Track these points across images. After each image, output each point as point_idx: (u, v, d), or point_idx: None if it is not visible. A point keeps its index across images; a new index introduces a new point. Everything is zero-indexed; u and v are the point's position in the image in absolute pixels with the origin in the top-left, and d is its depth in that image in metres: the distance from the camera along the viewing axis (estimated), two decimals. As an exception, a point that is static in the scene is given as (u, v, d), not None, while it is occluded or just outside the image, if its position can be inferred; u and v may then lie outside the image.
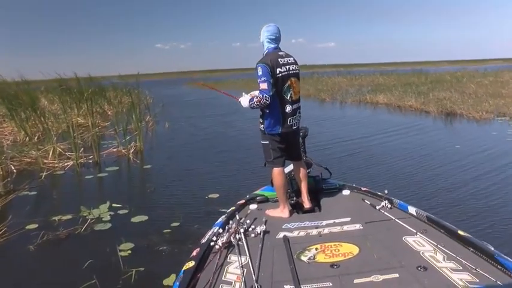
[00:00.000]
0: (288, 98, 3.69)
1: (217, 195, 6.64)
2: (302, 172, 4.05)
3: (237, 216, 3.59)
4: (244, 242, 3.05)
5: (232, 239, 3.09)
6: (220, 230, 3.24)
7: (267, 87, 3.54)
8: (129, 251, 4.73)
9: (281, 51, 3.76)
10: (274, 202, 4.07)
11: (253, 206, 4.05)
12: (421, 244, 2.91)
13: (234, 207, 3.97)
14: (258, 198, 4.25)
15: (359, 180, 6.36)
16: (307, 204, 3.95)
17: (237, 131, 13.57)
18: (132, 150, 10.49)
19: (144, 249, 4.77)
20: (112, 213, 6.09)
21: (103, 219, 5.85)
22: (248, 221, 3.50)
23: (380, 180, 7.07)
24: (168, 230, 5.30)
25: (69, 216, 5.96)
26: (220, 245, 3.00)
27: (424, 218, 3.33)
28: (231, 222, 3.45)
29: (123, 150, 10.44)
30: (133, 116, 12.48)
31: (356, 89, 26.05)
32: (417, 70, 40.99)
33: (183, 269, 2.72)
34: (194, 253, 2.95)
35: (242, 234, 3.17)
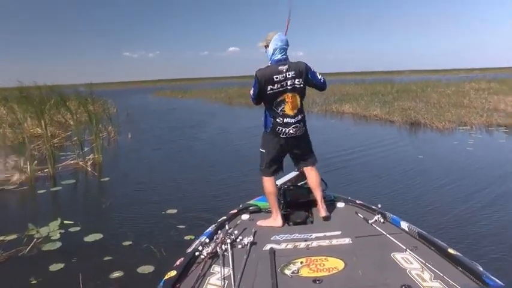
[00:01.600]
0: (279, 111, 3.72)
1: (175, 210, 6.43)
2: (314, 180, 3.99)
3: (226, 226, 3.51)
4: (230, 253, 3.00)
5: (218, 249, 3.03)
6: (208, 240, 3.22)
7: (252, 93, 3.78)
8: (79, 274, 4.39)
9: (283, 65, 3.71)
10: (267, 213, 4.02)
11: (245, 216, 3.99)
12: (409, 261, 2.84)
13: (225, 217, 3.91)
14: (250, 208, 4.20)
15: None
16: (322, 212, 3.86)
17: (202, 144, 13.25)
18: (90, 163, 10.11)
19: (94, 272, 4.48)
20: (63, 231, 5.74)
21: (52, 238, 5.49)
22: (236, 232, 3.43)
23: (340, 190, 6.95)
24: (118, 250, 5.04)
25: (13, 236, 5.54)
26: (205, 255, 2.96)
27: (415, 234, 3.26)
28: (219, 232, 3.38)
29: (81, 163, 10.05)
30: (93, 127, 12.05)
31: (323, 98, 26.18)
32: (384, 79, 41.66)
33: (164, 278, 2.67)
34: (178, 262, 2.91)
35: (228, 244, 3.11)
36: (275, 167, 3.92)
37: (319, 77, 3.86)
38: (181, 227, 5.69)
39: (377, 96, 22.96)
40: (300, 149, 3.96)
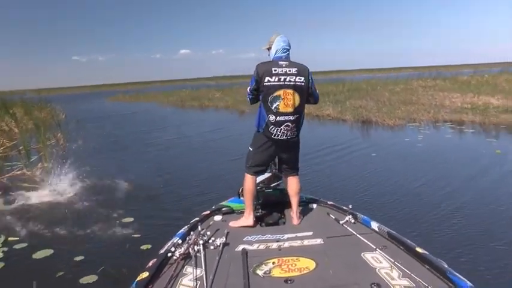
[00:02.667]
0: (273, 108, 3.66)
1: (132, 219, 6.24)
2: (294, 188, 3.97)
3: (199, 227, 3.52)
4: (202, 254, 3.02)
5: (190, 251, 3.04)
6: (180, 241, 3.24)
7: (248, 89, 3.78)
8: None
9: (284, 61, 3.72)
10: (239, 214, 4.03)
11: (217, 218, 4.00)
12: (379, 260, 2.90)
13: (197, 218, 3.92)
14: (223, 209, 4.21)
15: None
16: (295, 220, 3.85)
17: (159, 151, 12.88)
18: (38, 172, 9.61)
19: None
20: (6, 249, 5.39)
21: (-7, 257, 5.14)
22: (209, 233, 3.44)
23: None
24: (69, 267, 4.79)
25: None
26: (178, 256, 2.98)
27: (385, 234, 3.33)
28: (192, 233, 3.40)
29: (28, 172, 9.54)
30: (40, 134, 11.48)
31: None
32: (335, 79, 42.38)
33: (136, 280, 2.66)
34: (150, 264, 2.92)
35: (201, 245, 3.12)
36: (259, 169, 3.91)
37: (315, 88, 3.84)
38: (136, 235, 5.54)
39: (328, 96, 23.21)
40: (289, 154, 3.92)
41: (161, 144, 13.85)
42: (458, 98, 19.21)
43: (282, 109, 3.66)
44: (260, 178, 4.31)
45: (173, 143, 14.09)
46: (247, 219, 3.81)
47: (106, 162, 11.36)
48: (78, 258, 4.98)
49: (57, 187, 8.70)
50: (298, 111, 3.73)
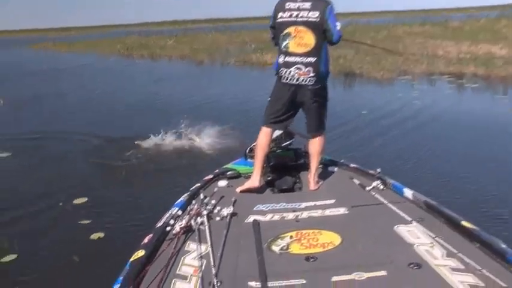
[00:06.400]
0: (283, 47, 3.73)
1: (86, 199, 5.72)
2: (313, 148, 3.94)
3: (201, 195, 3.42)
4: (207, 227, 2.93)
5: (192, 223, 2.96)
6: (180, 212, 3.16)
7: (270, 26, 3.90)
8: None
9: None
10: (247, 178, 3.92)
11: (222, 183, 3.95)
12: (416, 235, 2.78)
13: (198, 184, 3.84)
14: (228, 173, 4.15)
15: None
16: (313, 186, 3.84)
17: (94, 113, 11.63)
18: None
19: None
20: None
21: None
22: (214, 201, 3.36)
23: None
24: None
25: None
26: (178, 230, 2.87)
27: (421, 204, 3.23)
28: (193, 202, 3.33)
29: None
30: None
31: (238, 47, 25.53)
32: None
33: (130, 259, 2.56)
34: (146, 240, 2.82)
35: (205, 217, 3.04)
36: (275, 119, 3.89)
37: (337, 24, 3.68)
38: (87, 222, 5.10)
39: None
40: (308, 107, 3.83)
41: (101, 104, 12.82)
42: (453, 46, 18.87)
43: (292, 49, 3.69)
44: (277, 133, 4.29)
45: (113, 101, 13.07)
46: (252, 180, 3.78)
47: (44, 122, 10.33)
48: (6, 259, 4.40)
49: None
50: (314, 53, 3.68)
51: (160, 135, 8.01)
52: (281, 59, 3.74)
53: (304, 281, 2.34)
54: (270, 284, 2.32)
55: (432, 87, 12.70)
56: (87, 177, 6.64)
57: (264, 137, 3.86)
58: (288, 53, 3.71)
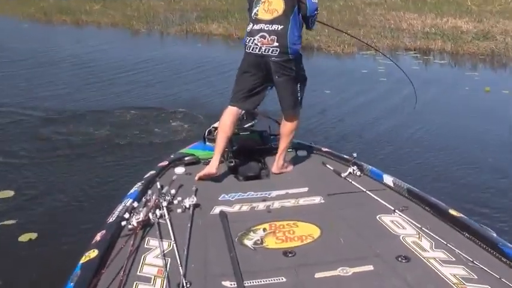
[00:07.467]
0: (253, 14, 3.77)
1: (12, 192, 5.36)
2: (284, 128, 3.98)
3: (157, 183, 3.42)
4: (168, 220, 2.90)
5: (151, 216, 2.92)
6: (135, 204, 3.07)
7: None
8: None
9: None
10: (207, 164, 3.89)
11: (179, 170, 3.89)
12: (401, 226, 2.87)
13: (153, 171, 3.80)
14: (186, 159, 4.12)
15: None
16: (274, 168, 3.90)
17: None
18: None
19: None
20: None
21: None
22: (173, 191, 3.33)
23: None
24: None
25: None
26: (135, 224, 2.79)
27: (404, 191, 3.32)
28: (149, 192, 3.22)
29: None
30: None
31: (178, 15, 25.00)
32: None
33: (80, 261, 2.47)
34: (98, 237, 2.75)
35: (165, 209, 3.01)
36: (244, 95, 3.88)
37: None
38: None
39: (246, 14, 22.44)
40: (277, 83, 3.82)
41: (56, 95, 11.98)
42: (417, 19, 19.14)
43: (260, 15, 3.71)
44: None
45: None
46: (211, 166, 3.75)
47: None
48: None
49: None
50: (281, 20, 3.67)
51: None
52: (249, 27, 3.78)
53: (285, 279, 2.35)
54: (246, 283, 2.30)
55: (398, 64, 12.83)
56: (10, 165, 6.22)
57: (228, 117, 3.84)
58: (256, 20, 3.74)
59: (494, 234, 2.69)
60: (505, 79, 11.53)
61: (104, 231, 2.81)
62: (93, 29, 23.70)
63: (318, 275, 2.37)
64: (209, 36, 18.64)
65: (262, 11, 3.71)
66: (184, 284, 2.29)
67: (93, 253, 2.54)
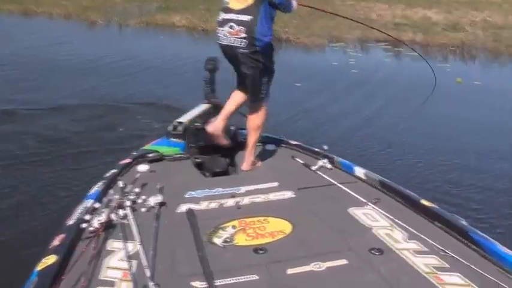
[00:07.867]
0: (224, 2, 3.80)
1: None
2: (250, 123, 4.01)
3: (119, 182, 3.32)
4: (132, 221, 2.87)
5: (113, 217, 2.89)
6: (97, 204, 3.03)
7: None
8: None
9: None
10: (172, 161, 4.06)
11: (142, 167, 3.86)
12: (374, 218, 2.94)
13: (115, 170, 3.77)
14: (149, 155, 4.11)
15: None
16: (244, 166, 3.94)
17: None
18: None
19: None
20: None
21: None
22: (136, 190, 3.30)
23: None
24: None
25: None
26: (97, 226, 2.77)
27: (375, 183, 3.40)
28: (111, 191, 3.26)
29: None
30: None
31: (137, 5, 24.77)
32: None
33: (37, 268, 2.38)
34: (57, 242, 2.68)
35: (128, 208, 2.99)
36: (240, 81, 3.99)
37: None
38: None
39: (214, 3, 22.37)
40: (244, 73, 3.86)
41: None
42: (386, 10, 19.49)
43: (231, 4, 3.74)
44: (195, 111, 4.46)
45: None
46: (216, 126, 3.93)
47: None
48: None
49: None
50: (250, 11, 3.68)
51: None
52: (220, 17, 3.79)
53: (257, 277, 2.36)
54: (217, 282, 2.31)
55: (369, 55, 13.06)
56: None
57: (238, 92, 3.98)
58: (226, 9, 3.77)
59: (465, 222, 2.78)
60: (476, 70, 11.84)
61: (62, 235, 2.76)
62: (44, 20, 23.24)
63: (290, 271, 2.41)
64: (172, 28, 18.51)
65: (233, 0, 3.75)
66: (152, 286, 2.28)
67: (51, 259, 2.48)
